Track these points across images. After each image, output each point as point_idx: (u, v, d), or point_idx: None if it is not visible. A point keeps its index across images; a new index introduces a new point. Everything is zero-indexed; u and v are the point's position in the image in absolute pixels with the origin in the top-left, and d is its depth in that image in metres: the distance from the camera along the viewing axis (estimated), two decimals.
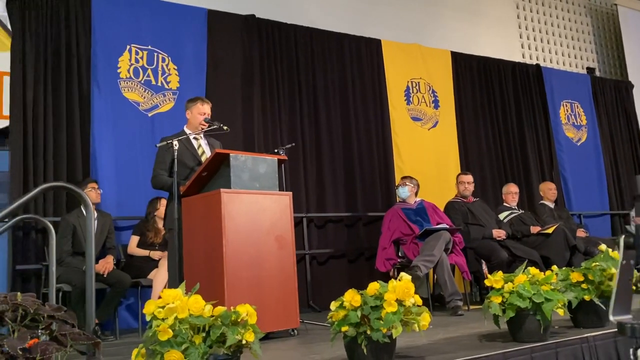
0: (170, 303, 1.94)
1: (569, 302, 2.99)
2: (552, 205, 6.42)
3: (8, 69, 4.90)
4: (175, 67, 5.59)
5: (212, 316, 1.96)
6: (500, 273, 2.91)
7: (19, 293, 1.66)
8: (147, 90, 5.41)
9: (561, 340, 2.81)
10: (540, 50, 8.83)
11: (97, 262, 4.29)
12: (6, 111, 4.93)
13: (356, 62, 6.73)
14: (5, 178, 4.82)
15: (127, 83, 5.32)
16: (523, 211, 6.12)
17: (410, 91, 7.04)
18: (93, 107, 5.10)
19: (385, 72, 6.85)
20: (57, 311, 1.69)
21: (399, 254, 5.11)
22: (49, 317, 1.66)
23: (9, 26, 5.01)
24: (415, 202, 5.35)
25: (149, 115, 5.38)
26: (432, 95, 7.20)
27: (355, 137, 6.53)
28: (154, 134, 5.16)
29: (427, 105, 7.13)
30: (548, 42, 8.97)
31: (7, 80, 4.95)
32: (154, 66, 5.48)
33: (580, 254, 5.43)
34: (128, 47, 5.38)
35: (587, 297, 3.09)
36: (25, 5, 4.98)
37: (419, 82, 7.13)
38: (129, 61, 5.36)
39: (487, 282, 2.94)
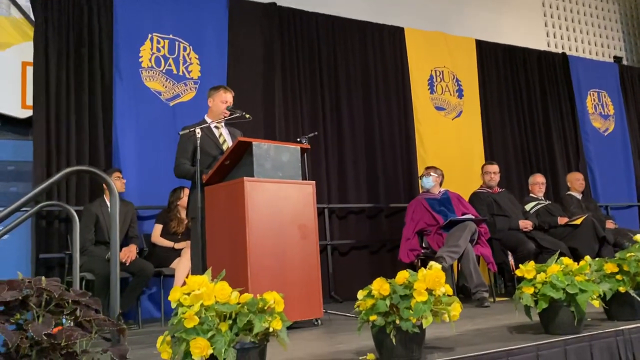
0: (196, 290, 1.89)
1: (603, 294, 2.88)
2: (579, 196, 6.27)
3: (31, 59, 4.91)
4: (197, 56, 5.55)
5: (239, 303, 1.91)
6: (532, 263, 2.81)
7: (43, 277, 1.62)
8: (168, 80, 5.38)
9: (595, 332, 2.71)
10: (566, 39, 8.62)
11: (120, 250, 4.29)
12: (29, 101, 4.94)
13: (379, 50, 6.63)
14: (29, 168, 4.85)
15: (148, 72, 5.30)
16: (550, 202, 5.99)
17: (434, 80, 6.92)
18: (115, 96, 5.10)
19: (409, 60, 6.74)
20: (81, 296, 1.65)
21: (423, 245, 5.02)
22: (73, 302, 1.62)
23: (32, 16, 5.01)
24: (439, 192, 5.25)
25: (171, 104, 5.36)
26: (456, 84, 7.07)
27: (378, 126, 6.44)
28: (176, 123, 5.14)
29: (451, 95, 7.00)
30: (574, 30, 8.75)
31: (30, 70, 4.96)
32: (175, 55, 5.45)
33: (610, 245, 5.28)
34: (149, 36, 5.36)
35: (621, 289, 2.98)
36: None
37: (442, 71, 7.01)
38: (151, 50, 5.34)
39: (518, 273, 2.84)
